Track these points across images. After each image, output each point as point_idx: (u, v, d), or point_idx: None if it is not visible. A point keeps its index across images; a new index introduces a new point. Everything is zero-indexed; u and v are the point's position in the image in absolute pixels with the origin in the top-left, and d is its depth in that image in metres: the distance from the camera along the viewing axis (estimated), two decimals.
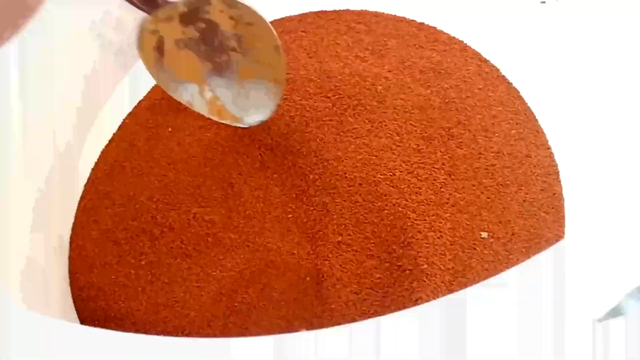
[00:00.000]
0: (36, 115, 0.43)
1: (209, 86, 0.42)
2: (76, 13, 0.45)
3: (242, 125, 0.44)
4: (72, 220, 0.44)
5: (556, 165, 0.42)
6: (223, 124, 0.44)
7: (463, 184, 0.40)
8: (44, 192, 0.42)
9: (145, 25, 0.38)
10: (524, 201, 0.40)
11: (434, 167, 0.41)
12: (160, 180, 0.44)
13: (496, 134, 0.43)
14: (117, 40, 0.48)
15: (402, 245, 0.38)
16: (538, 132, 0.43)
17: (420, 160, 0.41)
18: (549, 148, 0.43)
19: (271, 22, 0.47)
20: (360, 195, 0.40)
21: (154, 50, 0.40)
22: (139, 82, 0.49)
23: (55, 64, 0.44)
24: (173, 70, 0.41)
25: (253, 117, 0.43)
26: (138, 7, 0.37)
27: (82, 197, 0.45)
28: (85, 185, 0.46)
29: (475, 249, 0.38)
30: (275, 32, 0.39)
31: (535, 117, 0.44)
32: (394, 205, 0.39)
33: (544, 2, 0.44)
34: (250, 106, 0.43)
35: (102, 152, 0.47)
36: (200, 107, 0.43)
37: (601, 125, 0.41)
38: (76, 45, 0.46)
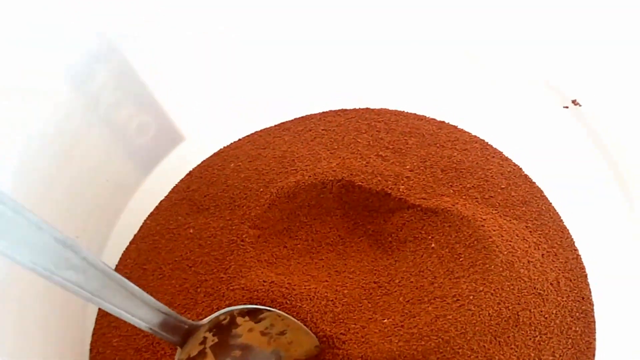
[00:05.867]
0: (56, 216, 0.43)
1: None
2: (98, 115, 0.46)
3: None
4: (92, 325, 0.44)
5: (584, 268, 0.41)
6: (246, 220, 0.43)
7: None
8: (64, 297, 0.42)
9: None
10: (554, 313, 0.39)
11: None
12: (182, 284, 0.43)
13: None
14: (139, 142, 0.49)
15: None
16: (563, 232, 0.43)
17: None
18: (575, 250, 0.42)
19: (293, 120, 0.47)
20: None
21: None
22: (160, 182, 0.49)
23: (75, 167, 0.45)
24: None
25: None
26: (166, 340, 0.34)
27: None
28: None
29: None
30: (312, 334, 0.38)
31: (560, 217, 0.43)
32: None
33: (567, 107, 0.44)
34: None
35: (123, 254, 0.47)
36: None
37: (628, 227, 0.41)
38: (97, 147, 0.47)
